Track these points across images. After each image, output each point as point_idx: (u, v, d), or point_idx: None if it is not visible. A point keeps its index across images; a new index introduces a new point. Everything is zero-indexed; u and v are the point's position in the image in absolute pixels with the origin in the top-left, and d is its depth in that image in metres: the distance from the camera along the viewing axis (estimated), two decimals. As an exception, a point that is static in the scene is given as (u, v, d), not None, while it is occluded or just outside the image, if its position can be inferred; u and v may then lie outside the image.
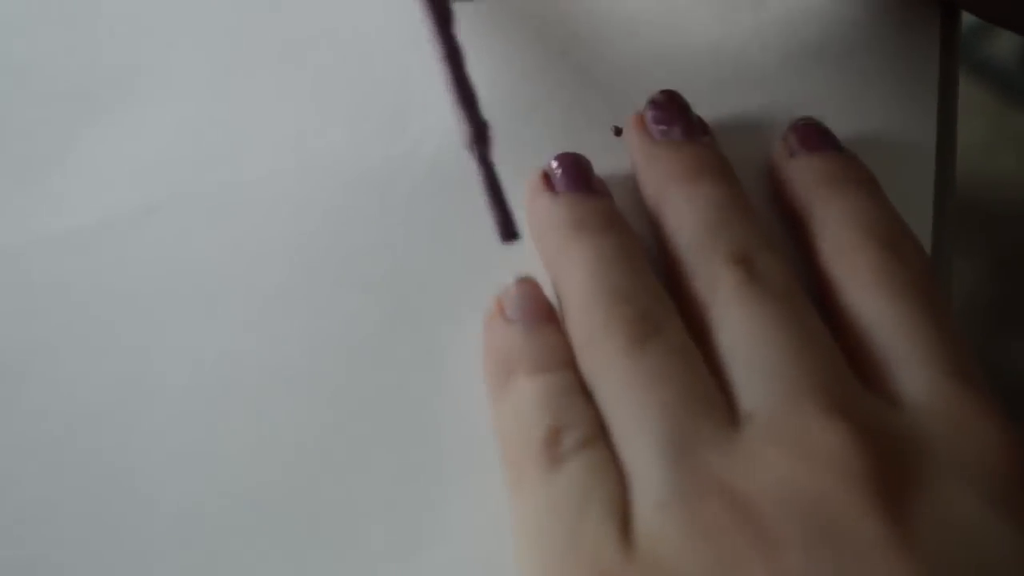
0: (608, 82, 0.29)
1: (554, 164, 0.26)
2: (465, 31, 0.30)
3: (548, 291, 0.25)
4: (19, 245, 0.28)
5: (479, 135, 0.23)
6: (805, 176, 0.26)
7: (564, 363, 0.23)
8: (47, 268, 0.27)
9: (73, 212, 0.28)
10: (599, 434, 0.22)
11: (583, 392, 0.23)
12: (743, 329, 0.22)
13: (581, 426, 0.22)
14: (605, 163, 0.27)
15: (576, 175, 0.26)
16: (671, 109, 0.27)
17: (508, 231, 0.24)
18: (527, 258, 0.26)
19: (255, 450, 0.24)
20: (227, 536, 0.23)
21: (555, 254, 0.25)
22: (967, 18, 0.31)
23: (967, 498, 0.19)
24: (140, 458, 0.24)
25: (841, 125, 0.27)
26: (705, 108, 0.28)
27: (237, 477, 0.24)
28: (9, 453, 0.25)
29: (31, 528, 0.24)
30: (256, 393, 0.25)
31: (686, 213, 0.25)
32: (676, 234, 0.25)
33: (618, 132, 0.28)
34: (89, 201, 0.28)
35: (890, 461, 0.20)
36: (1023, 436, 0.21)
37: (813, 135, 0.27)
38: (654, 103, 0.27)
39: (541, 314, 0.24)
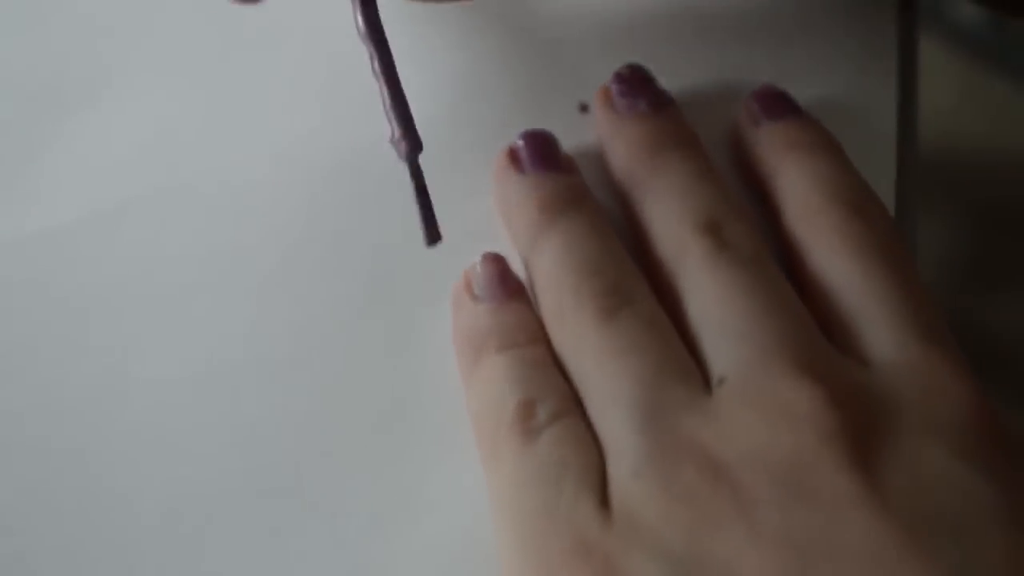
0: (572, 58, 0.30)
1: (520, 142, 0.26)
2: (427, 12, 0.30)
3: (516, 267, 0.25)
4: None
5: (415, 145, 0.24)
6: (769, 143, 0.26)
7: (534, 338, 0.23)
8: (23, 268, 0.27)
9: (48, 211, 0.28)
10: (572, 406, 0.22)
11: (555, 366, 0.23)
12: (712, 296, 0.23)
13: (553, 398, 0.22)
14: (573, 140, 0.27)
15: (542, 153, 0.26)
16: (636, 82, 0.27)
17: (433, 235, 0.24)
18: (500, 237, 0.26)
19: (238, 438, 0.25)
20: (212, 526, 0.23)
21: (524, 233, 0.25)
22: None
23: (937, 453, 0.20)
24: (121, 456, 0.24)
25: (801, 90, 0.27)
26: (667, 78, 0.28)
27: (221, 467, 0.24)
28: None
29: (9, 528, 0.24)
30: (237, 383, 0.25)
31: (653, 185, 0.25)
32: (644, 206, 0.25)
33: (584, 108, 0.29)
34: (64, 200, 0.28)
35: (861, 419, 0.20)
36: (987, 394, 0.21)
37: (775, 101, 0.27)
38: (619, 76, 0.27)
39: (508, 291, 0.24)
